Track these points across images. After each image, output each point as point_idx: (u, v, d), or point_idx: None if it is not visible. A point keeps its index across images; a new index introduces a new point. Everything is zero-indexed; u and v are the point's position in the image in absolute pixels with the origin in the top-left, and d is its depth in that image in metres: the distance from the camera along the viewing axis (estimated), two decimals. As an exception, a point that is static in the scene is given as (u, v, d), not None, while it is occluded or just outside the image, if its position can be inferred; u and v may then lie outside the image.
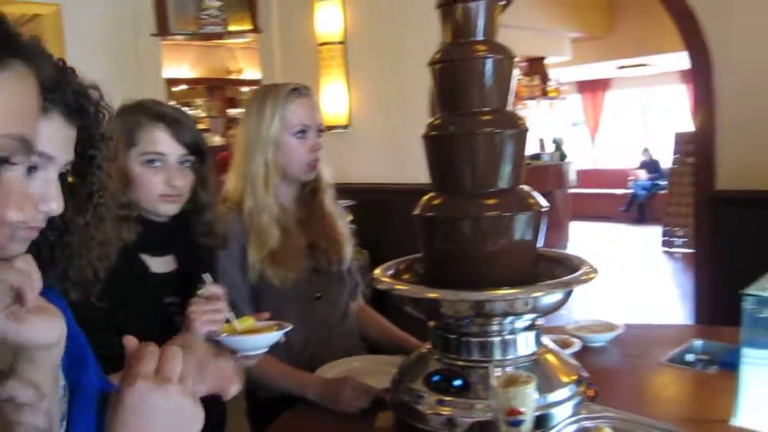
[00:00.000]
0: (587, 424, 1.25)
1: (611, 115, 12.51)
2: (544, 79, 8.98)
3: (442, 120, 1.44)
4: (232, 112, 8.39)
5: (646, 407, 1.48)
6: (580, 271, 1.43)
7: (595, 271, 1.43)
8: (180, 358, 0.73)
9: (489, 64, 1.40)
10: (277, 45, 5.35)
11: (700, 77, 3.37)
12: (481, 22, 1.40)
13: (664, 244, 8.12)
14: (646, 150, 11.04)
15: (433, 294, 1.39)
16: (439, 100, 1.46)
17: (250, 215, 1.78)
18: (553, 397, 1.38)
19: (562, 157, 8.95)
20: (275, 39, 5.34)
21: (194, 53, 7.94)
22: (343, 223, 1.98)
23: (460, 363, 1.40)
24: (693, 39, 3.35)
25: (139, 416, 0.69)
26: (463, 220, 1.42)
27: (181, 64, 7.70)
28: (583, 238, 9.27)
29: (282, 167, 1.80)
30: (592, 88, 12.32)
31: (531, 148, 10.66)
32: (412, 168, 3.34)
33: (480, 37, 1.41)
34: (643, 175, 10.87)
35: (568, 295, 1.42)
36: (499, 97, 1.43)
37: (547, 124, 11.27)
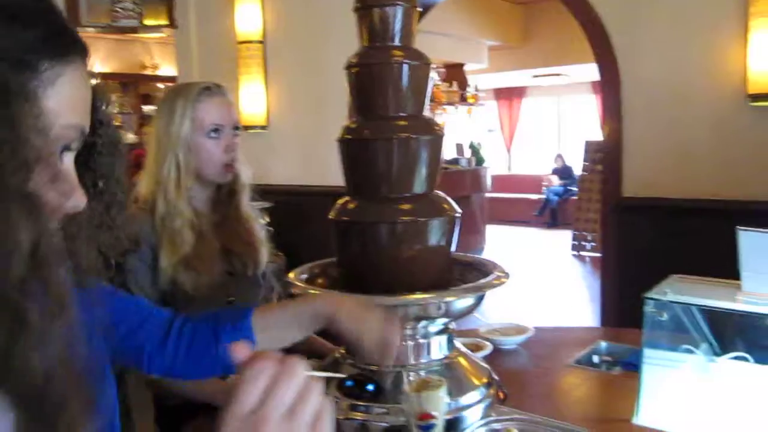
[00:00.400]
0: (496, 426, 1.28)
1: (527, 122, 12.88)
2: (463, 85, 9.14)
3: (358, 124, 1.44)
4: (147, 108, 8.12)
5: (554, 408, 1.51)
6: (492, 276, 1.46)
7: (506, 275, 1.46)
8: (296, 380, 0.57)
9: (405, 70, 1.41)
10: (195, 41, 5.22)
11: (609, 89, 3.50)
12: (397, 28, 1.41)
13: (574, 248, 8.40)
14: (559, 156, 11.41)
15: (347, 299, 1.38)
16: (355, 104, 1.45)
17: (162, 220, 1.72)
18: (464, 400, 1.40)
19: (480, 162, 9.13)
20: (192, 35, 5.21)
21: (107, 47, 7.65)
22: (260, 226, 1.94)
23: (373, 368, 1.40)
24: (602, 52, 3.48)
25: None
26: (378, 225, 1.42)
27: (92, 58, 7.40)
28: (499, 242, 9.49)
29: (195, 170, 1.75)
30: (509, 95, 12.65)
31: (449, 153, 10.82)
32: (331, 170, 3.33)
33: (397, 42, 1.42)
34: (555, 180, 11.24)
35: (480, 299, 1.44)
36: (415, 103, 1.44)
37: (465, 129, 11.49)
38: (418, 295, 1.36)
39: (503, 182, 11.82)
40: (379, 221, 1.41)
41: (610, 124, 3.53)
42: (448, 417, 1.35)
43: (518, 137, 12.95)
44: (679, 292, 1.50)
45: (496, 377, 1.51)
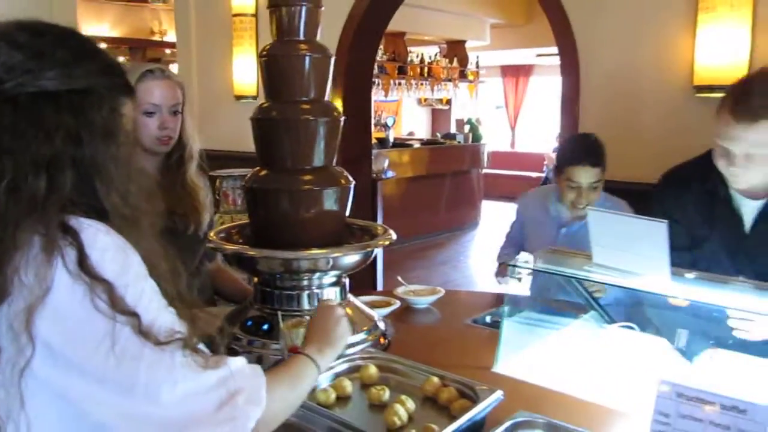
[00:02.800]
0: (359, 362, 1.54)
1: (533, 100, 12.98)
2: (464, 62, 9.28)
3: (268, 106, 1.69)
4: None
5: (429, 355, 1.75)
6: (378, 238, 1.72)
7: (390, 238, 1.72)
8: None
9: (308, 61, 1.65)
10: (193, 11, 5.46)
11: (568, 75, 3.70)
12: (303, 24, 1.65)
13: (564, 226, 8.59)
14: (560, 134, 11.50)
15: (251, 252, 1.65)
16: (266, 88, 1.70)
17: None
18: (350, 339, 1.66)
19: (477, 138, 9.31)
20: (191, 5, 5.45)
21: (116, 12, 7.88)
22: (204, 193, 2.19)
23: (271, 311, 1.67)
24: (564, 39, 3.67)
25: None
26: (281, 192, 1.67)
27: (101, 23, 7.65)
28: (494, 216, 9.72)
29: (136, 140, 1.99)
30: (515, 73, 12.74)
31: (444, 129, 11.00)
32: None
33: (301, 36, 1.66)
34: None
35: (366, 255, 1.70)
36: (316, 89, 1.68)
37: (469, 106, 11.65)
38: (309, 251, 1.62)
39: (505, 159, 11.99)
40: (283, 189, 1.67)
41: (568, 109, 3.74)
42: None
43: (523, 115, 13.06)
44: (540, 260, 1.75)
45: (381, 326, 1.77)
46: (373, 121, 9.35)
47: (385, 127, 8.47)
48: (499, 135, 12.26)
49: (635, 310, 2.05)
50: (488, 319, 2.09)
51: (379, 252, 5.23)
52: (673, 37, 3.36)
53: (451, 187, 8.73)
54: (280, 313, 1.51)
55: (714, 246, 1.77)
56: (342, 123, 1.72)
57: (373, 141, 6.79)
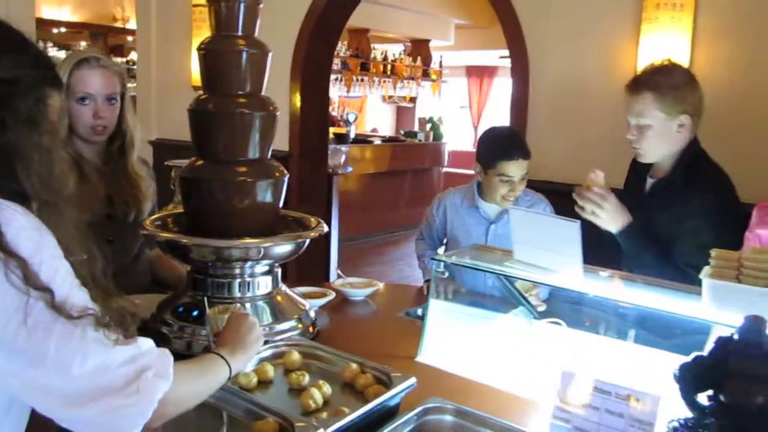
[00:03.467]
0: (283, 348, 1.59)
1: (497, 101, 13.11)
2: (427, 61, 9.36)
3: (205, 98, 1.73)
4: (116, 60, 8.27)
5: (356, 345, 1.81)
6: (311, 229, 1.77)
7: (321, 230, 1.78)
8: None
9: (245, 56, 1.70)
10: (154, -1, 5.45)
11: (518, 77, 3.78)
12: (241, 19, 1.70)
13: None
14: (521, 137, 11.67)
15: (184, 240, 1.69)
16: (204, 81, 1.74)
17: None
18: (279, 327, 1.73)
19: (438, 137, 9.40)
20: (152, -9, 5.44)
21: (79, -4, 7.78)
22: (146, 183, 2.20)
23: (201, 299, 1.71)
24: (515, 42, 3.76)
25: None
26: (215, 182, 1.72)
27: (62, 7, 7.54)
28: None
29: (70, 127, 2.01)
30: (480, 73, 12.85)
31: (408, 126, 11.08)
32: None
33: (239, 32, 1.70)
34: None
35: (298, 246, 1.75)
36: (253, 84, 1.73)
37: (433, 105, 11.75)
38: (241, 240, 1.67)
39: (467, 158, 12.09)
40: (217, 179, 1.71)
41: (518, 110, 3.82)
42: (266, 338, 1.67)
43: (486, 116, 13.18)
44: (463, 256, 1.82)
45: (312, 315, 1.83)
46: (336, 115, 9.42)
47: (347, 122, 8.52)
48: (461, 135, 12.38)
49: (564, 306, 2.14)
50: (419, 311, 2.15)
51: (333, 246, 5.32)
52: (617, 45, 3.47)
53: (411, 185, 8.81)
54: (205, 298, 1.56)
55: None
56: (277, 117, 1.77)
57: (331, 136, 6.84)
